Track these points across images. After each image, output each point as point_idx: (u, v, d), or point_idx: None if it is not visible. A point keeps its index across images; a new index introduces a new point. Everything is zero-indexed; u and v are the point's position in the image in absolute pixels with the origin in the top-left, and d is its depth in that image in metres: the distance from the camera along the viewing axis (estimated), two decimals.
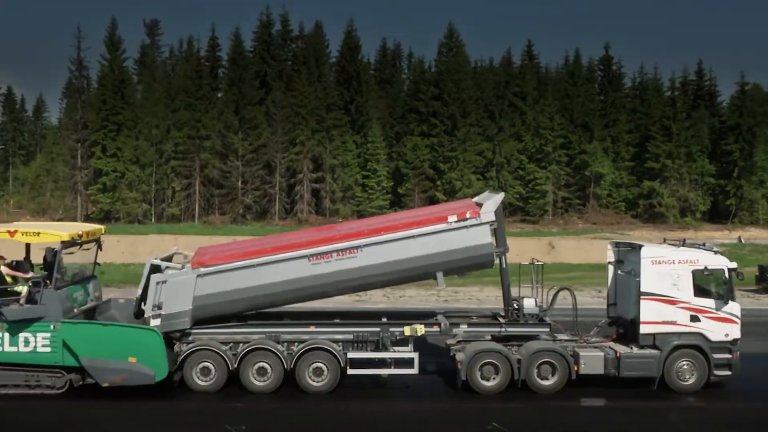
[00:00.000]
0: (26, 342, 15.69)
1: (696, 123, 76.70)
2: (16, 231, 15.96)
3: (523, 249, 37.56)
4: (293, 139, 73.16)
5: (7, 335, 15.67)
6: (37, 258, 17.10)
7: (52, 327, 15.66)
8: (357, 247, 16.44)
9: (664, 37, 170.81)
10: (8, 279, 16.11)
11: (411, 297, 31.63)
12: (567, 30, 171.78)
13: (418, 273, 17.05)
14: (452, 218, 16.59)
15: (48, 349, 15.71)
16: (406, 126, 75.92)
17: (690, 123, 76.48)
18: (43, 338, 15.69)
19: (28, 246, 17.13)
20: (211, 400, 15.91)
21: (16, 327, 15.65)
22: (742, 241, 59.51)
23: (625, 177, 76.61)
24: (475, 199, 18.67)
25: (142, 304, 16.53)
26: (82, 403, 15.81)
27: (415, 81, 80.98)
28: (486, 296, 31.51)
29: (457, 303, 29.38)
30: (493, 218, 16.72)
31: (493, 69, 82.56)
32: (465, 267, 17.31)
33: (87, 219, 73.47)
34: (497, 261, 17.24)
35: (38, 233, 16.00)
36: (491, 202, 16.95)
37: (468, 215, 16.60)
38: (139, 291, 16.79)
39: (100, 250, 17.87)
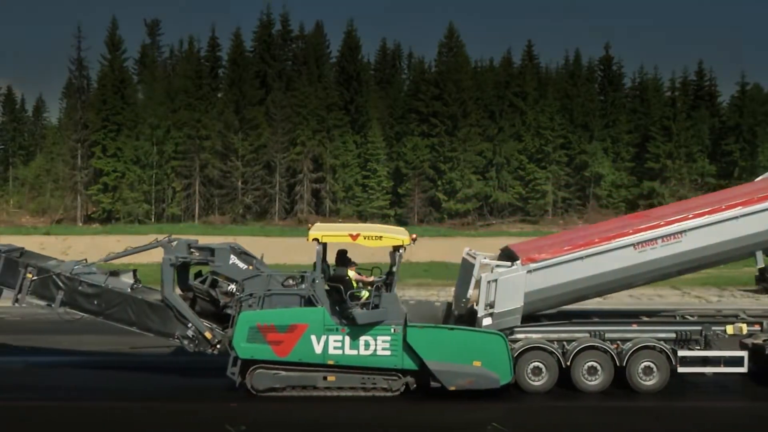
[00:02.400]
0: (366, 345, 15.75)
1: (696, 123, 76.60)
2: (358, 234, 16.04)
3: None
4: (293, 139, 73.15)
5: (347, 339, 15.73)
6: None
7: (392, 330, 15.73)
8: (682, 232, 16.55)
9: (664, 37, 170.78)
10: (354, 284, 16.25)
11: (410, 296, 31.43)
12: (567, 30, 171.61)
13: (739, 254, 17.38)
14: None
15: (388, 353, 15.76)
16: (406, 126, 75.85)
17: (690, 123, 76.38)
18: (384, 341, 15.74)
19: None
20: (210, 400, 15.90)
21: (355, 331, 15.72)
22: None
23: (625, 177, 76.57)
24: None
25: (475, 305, 16.60)
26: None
27: (415, 81, 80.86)
28: None
29: None
30: None
31: (493, 69, 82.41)
32: None
33: (88, 219, 73.61)
34: None
35: (380, 237, 16.08)
36: None
37: None
38: (470, 292, 16.92)
39: None
